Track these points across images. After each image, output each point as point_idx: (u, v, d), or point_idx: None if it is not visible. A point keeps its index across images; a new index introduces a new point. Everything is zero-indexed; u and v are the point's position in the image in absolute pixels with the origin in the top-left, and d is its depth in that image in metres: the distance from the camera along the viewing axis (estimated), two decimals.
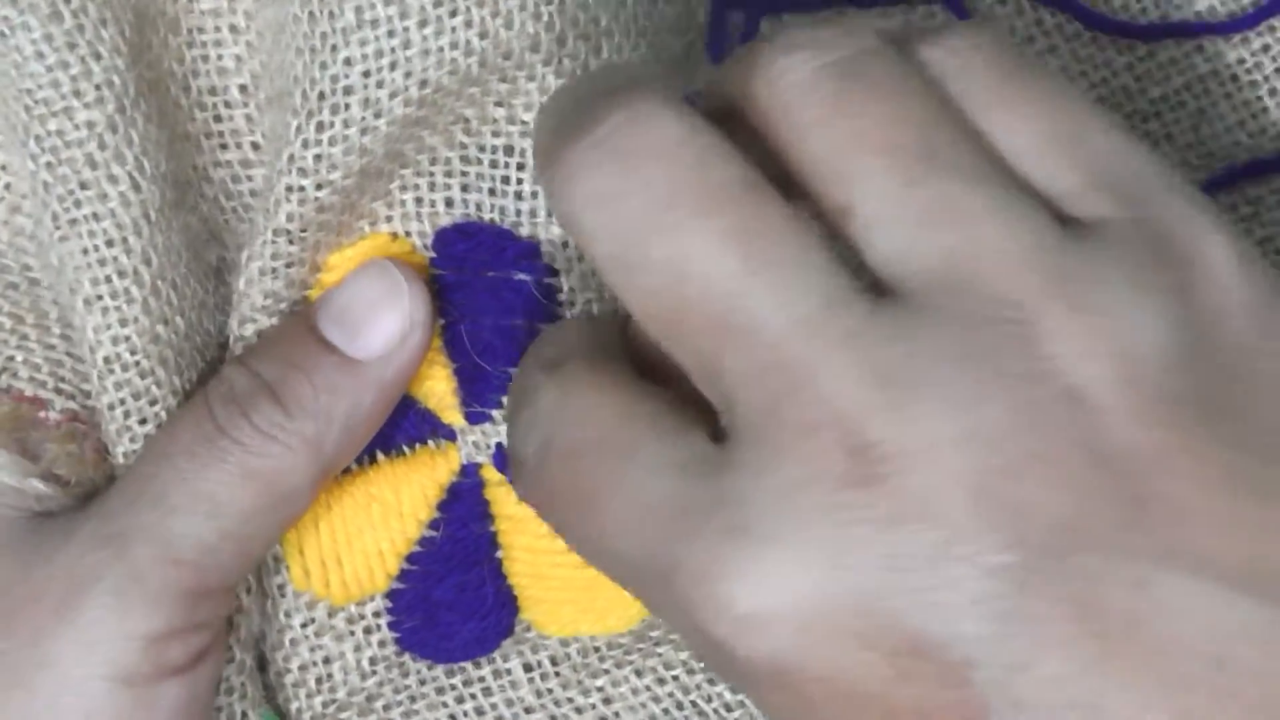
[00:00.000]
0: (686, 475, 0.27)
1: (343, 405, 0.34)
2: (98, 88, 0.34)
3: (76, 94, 0.34)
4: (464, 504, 0.37)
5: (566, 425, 0.29)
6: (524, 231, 0.36)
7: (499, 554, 0.37)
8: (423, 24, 0.33)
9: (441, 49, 0.33)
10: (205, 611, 0.34)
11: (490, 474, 0.37)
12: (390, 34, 0.33)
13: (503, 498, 0.37)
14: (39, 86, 0.34)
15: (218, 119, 0.38)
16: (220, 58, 0.37)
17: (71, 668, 0.33)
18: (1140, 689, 0.24)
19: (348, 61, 0.33)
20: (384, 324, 0.35)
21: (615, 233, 0.27)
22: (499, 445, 0.36)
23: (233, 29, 0.37)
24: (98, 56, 0.34)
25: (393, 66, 0.33)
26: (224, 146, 0.38)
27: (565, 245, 0.36)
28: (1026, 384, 0.25)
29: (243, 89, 0.38)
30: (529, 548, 0.37)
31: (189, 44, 0.37)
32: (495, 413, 0.36)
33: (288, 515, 0.35)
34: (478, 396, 0.36)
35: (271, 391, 0.34)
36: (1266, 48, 0.41)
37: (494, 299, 0.36)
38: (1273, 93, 0.41)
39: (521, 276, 0.36)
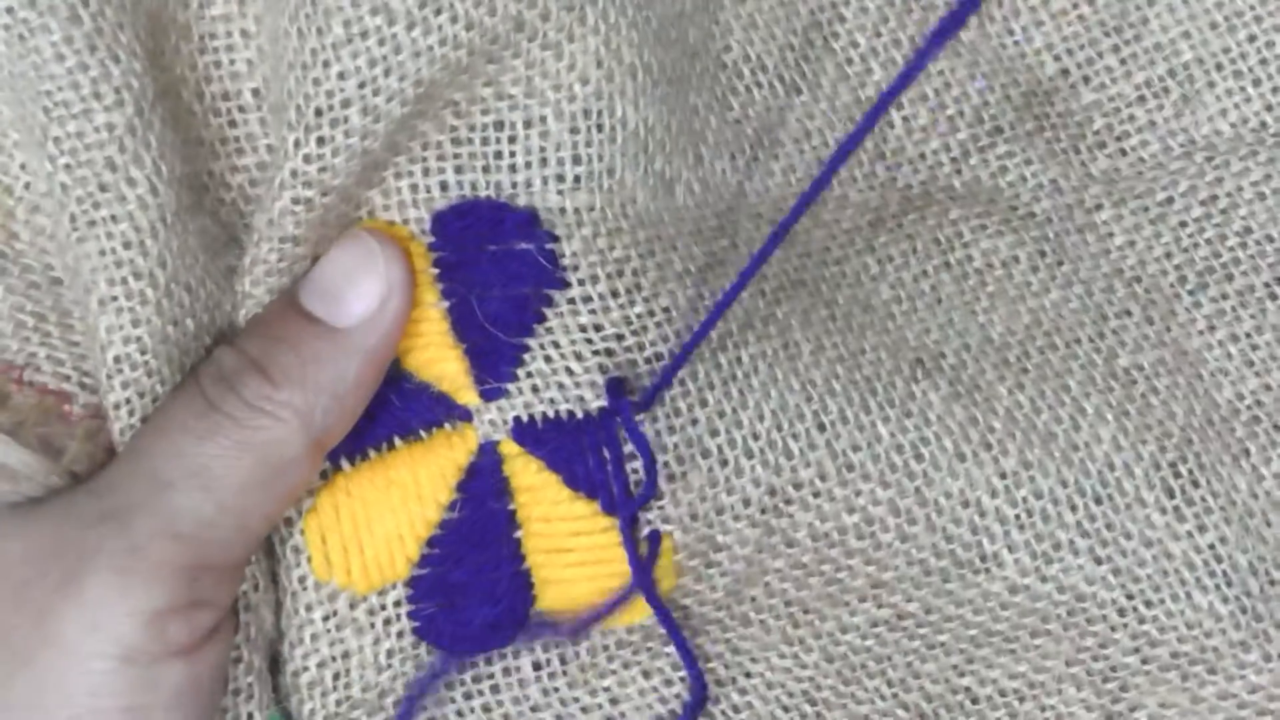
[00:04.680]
0: None
1: (328, 373, 0.35)
2: (117, 90, 0.34)
3: (96, 96, 0.34)
4: (482, 482, 0.37)
5: None
6: (521, 202, 0.36)
7: (517, 534, 0.37)
8: (410, 26, 0.34)
9: (431, 48, 0.34)
10: (206, 588, 0.34)
11: (508, 448, 0.37)
12: (381, 42, 0.34)
13: (521, 469, 0.37)
14: (59, 89, 0.34)
15: (232, 124, 0.38)
16: (233, 63, 0.38)
17: (76, 645, 0.33)
18: None
19: (342, 75, 0.34)
20: (362, 290, 0.36)
21: None
22: (516, 419, 0.37)
23: (244, 33, 0.38)
24: (116, 59, 0.34)
25: (387, 73, 0.34)
26: (240, 151, 0.38)
27: (563, 212, 0.36)
28: None
29: (255, 93, 0.38)
30: (545, 517, 0.37)
31: (201, 50, 0.38)
32: (510, 386, 0.37)
33: (285, 488, 0.35)
34: (490, 371, 0.37)
35: (258, 366, 0.35)
36: (1252, 37, 0.41)
37: (499, 270, 0.36)
38: (1256, 82, 0.41)
39: (523, 245, 0.36)
